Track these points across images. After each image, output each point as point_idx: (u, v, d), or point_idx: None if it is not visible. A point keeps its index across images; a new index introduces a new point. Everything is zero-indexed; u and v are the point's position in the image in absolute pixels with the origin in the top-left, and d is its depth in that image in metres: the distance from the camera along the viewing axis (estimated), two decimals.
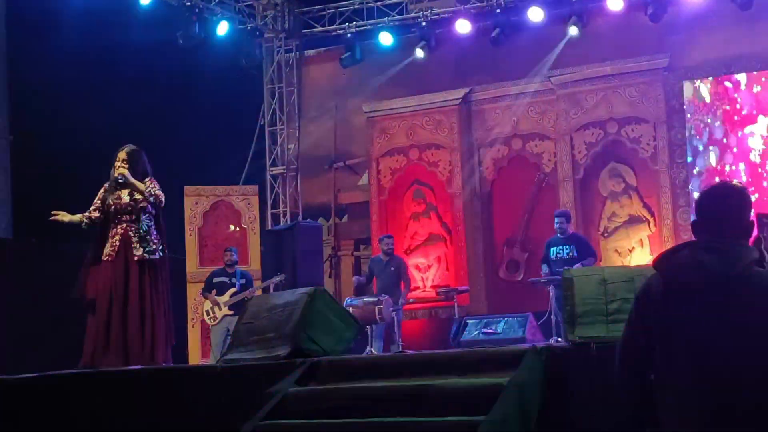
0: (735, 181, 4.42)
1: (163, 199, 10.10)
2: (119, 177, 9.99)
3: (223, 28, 17.24)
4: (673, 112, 15.75)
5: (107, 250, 9.90)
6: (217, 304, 14.49)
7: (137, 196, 10.00)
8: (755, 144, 15.30)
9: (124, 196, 10.02)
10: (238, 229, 17.03)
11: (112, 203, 10.02)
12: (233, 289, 14.56)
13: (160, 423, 8.02)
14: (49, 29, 15.17)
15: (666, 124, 15.72)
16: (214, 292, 14.60)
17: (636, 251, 15.65)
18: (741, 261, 3.95)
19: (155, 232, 10.08)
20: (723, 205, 4.10)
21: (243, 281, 14.74)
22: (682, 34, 15.70)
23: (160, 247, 10.08)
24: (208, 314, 14.61)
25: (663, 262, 4.13)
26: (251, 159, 18.09)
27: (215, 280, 14.74)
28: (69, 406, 8.50)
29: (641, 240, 15.70)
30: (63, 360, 10.25)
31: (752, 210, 4.12)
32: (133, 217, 9.98)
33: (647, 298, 4.13)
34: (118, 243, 9.92)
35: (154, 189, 10.03)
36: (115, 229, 9.98)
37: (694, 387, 3.89)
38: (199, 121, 16.64)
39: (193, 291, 15.98)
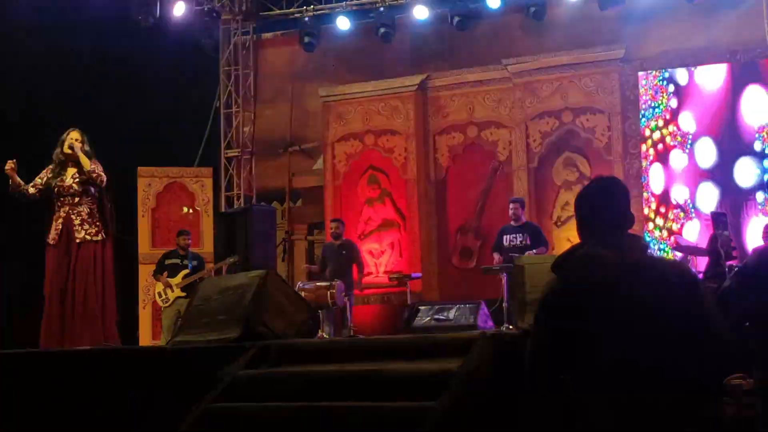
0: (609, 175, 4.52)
1: (105, 180, 10.11)
2: (70, 147, 9.98)
3: (179, 9, 17.12)
4: (627, 103, 15.83)
5: (52, 234, 9.89)
6: (169, 286, 14.43)
7: (80, 178, 9.99)
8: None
9: (67, 178, 10.01)
10: (191, 211, 16.96)
11: (55, 186, 9.99)
12: (185, 271, 14.49)
13: (109, 403, 7.99)
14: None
15: (621, 115, 15.80)
16: (165, 273, 14.54)
17: None
18: (635, 249, 4.02)
19: (97, 215, 10.05)
20: (605, 199, 4.16)
21: (195, 263, 14.68)
22: (639, 25, 15.77)
23: (102, 230, 10.05)
24: (159, 296, 14.54)
25: (562, 263, 4.17)
26: (206, 141, 18.00)
27: (167, 261, 14.68)
28: (16, 385, 8.46)
29: None
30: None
31: (630, 199, 4.22)
32: (76, 200, 9.96)
33: (552, 301, 4.16)
34: (60, 226, 9.91)
35: (98, 169, 10.03)
36: (58, 213, 9.97)
37: (607, 379, 3.93)
38: (154, 101, 16.52)
39: (145, 272, 15.91)
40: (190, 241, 14.87)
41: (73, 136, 10.08)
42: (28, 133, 14.69)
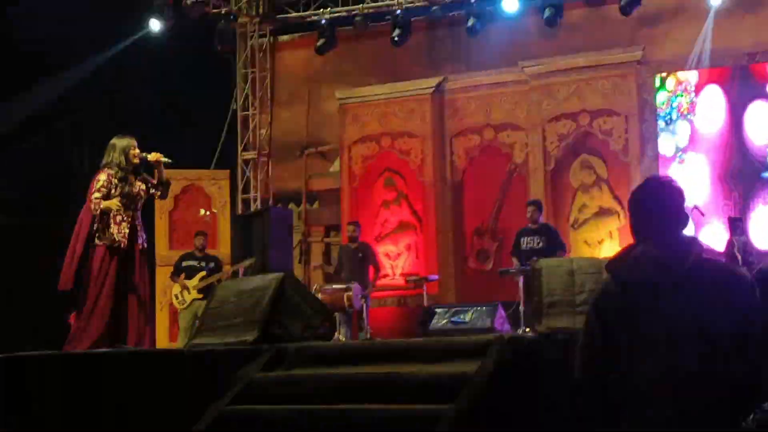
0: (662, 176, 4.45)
1: None
2: (137, 157, 10.12)
3: (196, 12, 17.14)
4: (644, 105, 15.80)
5: (118, 236, 9.92)
6: (186, 288, 14.46)
7: (143, 186, 10.10)
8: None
9: (136, 185, 10.10)
10: (208, 213, 16.99)
11: (126, 190, 10.05)
12: (202, 273, 14.53)
13: (127, 406, 8.01)
14: (11, 8, 15.08)
15: (637, 117, 15.77)
16: (182, 275, 14.57)
17: (605, 243, 15.71)
18: (691, 251, 3.99)
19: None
20: (659, 199, 4.13)
21: (212, 265, 14.71)
22: (656, 27, 15.74)
23: None
24: (176, 298, 14.57)
25: (618, 263, 4.14)
26: (223, 143, 18.03)
27: (184, 263, 14.72)
28: (35, 387, 8.49)
29: (611, 232, 15.75)
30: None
31: (685, 199, 4.18)
32: (138, 205, 10.16)
33: (605, 302, 4.13)
34: (127, 230, 9.99)
35: None
36: (121, 216, 10.03)
37: (656, 381, 3.91)
38: (171, 104, 16.57)
39: (163, 274, 15.94)
40: (206, 242, 14.91)
41: (133, 144, 10.19)
42: (46, 138, 14.77)
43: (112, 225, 9.90)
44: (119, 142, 10.13)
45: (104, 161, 10.09)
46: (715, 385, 3.87)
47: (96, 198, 9.87)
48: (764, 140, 14.97)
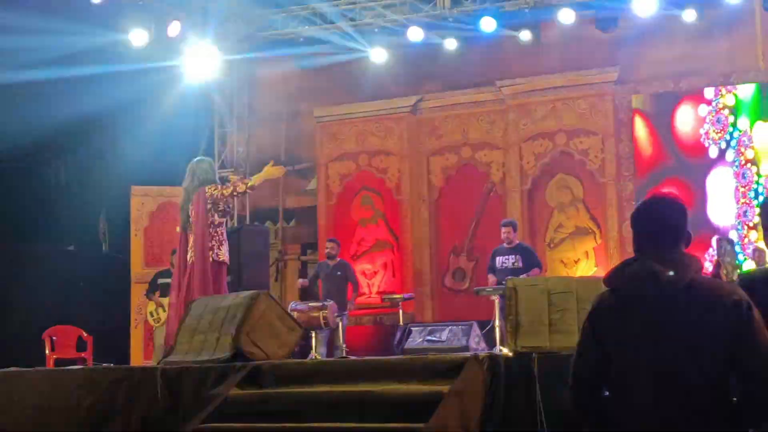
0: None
1: None
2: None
3: (175, 29, 17.10)
4: (621, 125, 15.87)
5: (227, 253, 10.34)
6: (162, 306, 14.41)
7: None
8: None
9: None
10: None
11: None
12: None
13: (100, 423, 7.97)
14: None
15: (614, 137, 15.83)
16: (158, 293, 14.52)
17: (581, 262, 15.73)
18: (689, 268, 4.01)
19: None
20: (663, 215, 4.15)
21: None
22: (633, 48, 15.82)
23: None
24: (152, 315, 14.53)
25: (615, 276, 4.15)
26: None
27: (160, 281, 14.66)
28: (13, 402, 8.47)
29: (587, 251, 15.78)
30: None
31: (688, 218, 4.19)
32: None
33: (600, 314, 4.14)
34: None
35: None
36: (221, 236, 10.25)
37: (653, 395, 3.93)
38: (148, 120, 16.52)
39: (138, 291, 15.86)
40: None
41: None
42: (23, 153, 14.70)
43: (224, 242, 10.07)
44: (202, 163, 10.40)
45: (199, 180, 10.24)
46: (709, 401, 3.89)
47: (226, 190, 10.26)
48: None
